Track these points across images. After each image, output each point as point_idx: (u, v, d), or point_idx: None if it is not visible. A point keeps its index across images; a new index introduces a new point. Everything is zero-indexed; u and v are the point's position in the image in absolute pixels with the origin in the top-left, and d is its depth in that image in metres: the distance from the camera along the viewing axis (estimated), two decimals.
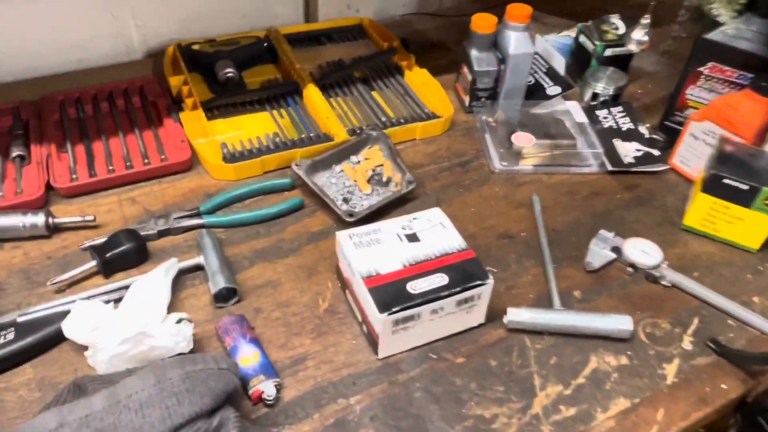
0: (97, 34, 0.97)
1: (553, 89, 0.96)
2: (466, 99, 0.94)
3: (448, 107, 0.91)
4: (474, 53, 0.90)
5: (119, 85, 0.90)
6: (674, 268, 0.71)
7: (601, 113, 0.94)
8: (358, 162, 0.82)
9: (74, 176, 0.75)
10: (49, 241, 0.69)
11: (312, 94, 0.89)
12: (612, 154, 0.87)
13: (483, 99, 0.94)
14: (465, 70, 0.93)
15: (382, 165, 0.81)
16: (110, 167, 0.77)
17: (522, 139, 0.85)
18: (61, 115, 0.84)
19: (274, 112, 0.90)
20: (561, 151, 0.86)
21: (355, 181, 0.79)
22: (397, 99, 0.95)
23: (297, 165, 0.77)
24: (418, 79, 0.97)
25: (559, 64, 0.99)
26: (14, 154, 0.76)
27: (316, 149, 0.81)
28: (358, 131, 0.86)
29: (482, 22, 0.88)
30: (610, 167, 0.85)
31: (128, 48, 1.01)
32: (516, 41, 0.88)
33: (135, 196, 0.76)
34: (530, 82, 0.95)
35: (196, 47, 0.97)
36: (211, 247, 0.67)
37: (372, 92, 0.96)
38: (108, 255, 0.65)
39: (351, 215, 0.72)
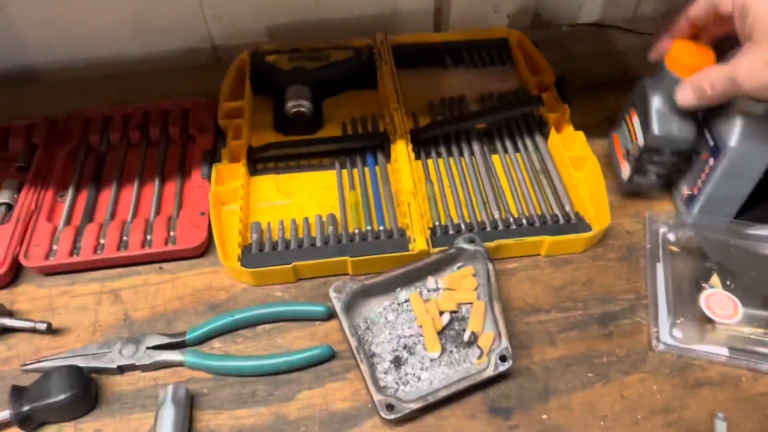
0: (168, 24, 0.76)
1: None
2: (625, 168, 0.59)
3: (604, 211, 0.57)
4: (656, 103, 0.54)
5: (162, 105, 0.69)
6: None
7: None
8: (436, 290, 0.53)
9: (54, 249, 0.56)
10: None
11: (401, 156, 0.61)
12: None
13: (655, 179, 0.59)
14: (634, 120, 0.57)
15: (470, 304, 0.52)
16: (101, 241, 0.57)
17: (718, 305, 0.50)
18: (79, 143, 0.66)
19: (344, 173, 0.64)
20: None
21: (422, 326, 0.51)
22: (526, 177, 0.63)
23: (337, 293, 0.50)
24: (567, 148, 0.63)
25: None
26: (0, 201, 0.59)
27: (377, 260, 0.54)
28: (453, 232, 0.57)
29: (686, 58, 0.51)
30: None
31: (203, 46, 0.80)
32: (744, 128, 0.51)
33: (121, 288, 0.55)
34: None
35: (271, 59, 0.73)
36: (170, 424, 0.44)
37: (493, 155, 0.65)
38: (26, 408, 0.45)
39: (391, 408, 0.45)
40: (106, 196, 0.62)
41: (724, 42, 0.51)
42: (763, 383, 0.49)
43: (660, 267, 0.56)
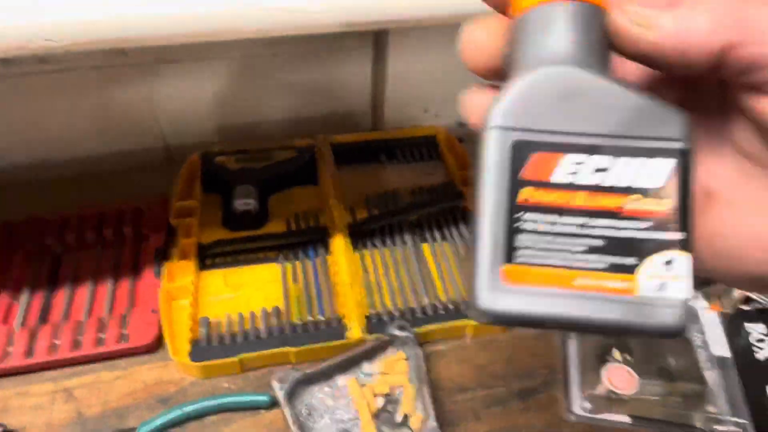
0: (123, 125, 0.82)
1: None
2: None
3: None
4: None
5: (116, 206, 0.74)
6: None
7: (754, 330, 0.63)
8: (371, 375, 0.58)
9: (9, 350, 0.59)
10: None
11: (339, 249, 0.67)
12: (762, 419, 0.56)
13: None
14: None
15: (402, 387, 0.57)
16: (56, 342, 0.60)
17: (619, 379, 0.57)
18: (35, 246, 0.69)
19: (288, 267, 0.69)
20: (679, 400, 0.57)
21: (358, 410, 0.55)
22: (453, 263, 0.70)
23: (279, 383, 0.55)
24: None
25: None
26: None
27: (317, 349, 0.59)
28: (387, 320, 0.62)
29: None
30: None
31: (157, 146, 0.86)
32: None
33: (75, 387, 0.58)
34: None
35: (219, 159, 0.79)
36: None
37: (423, 244, 0.72)
38: None
39: None
40: (61, 296, 0.65)
41: None
42: None
43: (571, 344, 0.62)
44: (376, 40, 0.83)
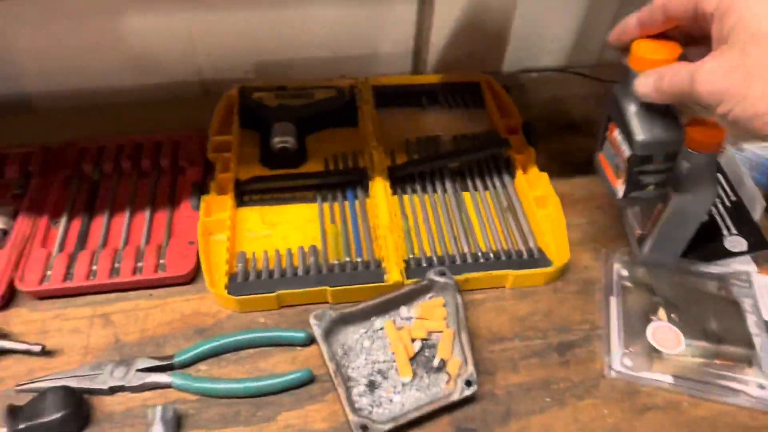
0: (160, 58, 0.81)
1: (734, 242, 0.63)
2: (619, 185, 0.54)
3: (564, 248, 0.63)
4: (632, 108, 0.49)
5: (154, 137, 0.73)
6: None
7: None
8: (409, 319, 0.58)
9: (48, 274, 0.59)
10: None
11: (378, 192, 0.66)
12: None
13: (654, 190, 0.53)
14: (615, 134, 0.53)
15: (440, 332, 0.56)
16: (93, 267, 0.60)
17: (663, 336, 0.56)
18: (73, 172, 0.69)
19: (326, 207, 0.68)
20: (725, 363, 0.55)
21: (395, 353, 0.55)
22: (494, 213, 0.68)
23: (317, 320, 0.54)
24: (532, 187, 0.69)
25: (754, 199, 0.66)
26: None
27: (353, 291, 0.58)
28: (425, 265, 0.61)
29: (652, 55, 0.46)
30: None
31: (193, 80, 0.84)
32: (688, 180, 0.56)
33: (112, 313, 0.59)
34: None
35: (258, 96, 0.77)
36: None
37: (464, 192, 0.70)
38: (22, 427, 0.48)
39: (365, 429, 0.49)
40: (99, 223, 0.65)
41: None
42: (702, 408, 0.54)
43: (613, 300, 0.61)
44: None
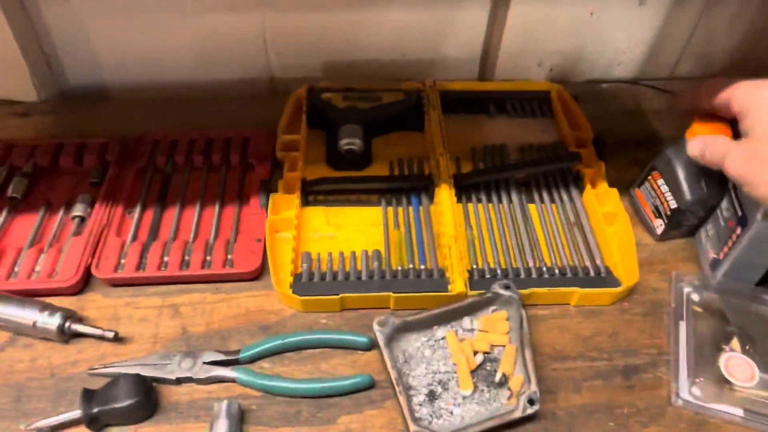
0: (231, 54, 0.82)
1: None
2: (658, 224, 0.66)
3: (633, 267, 0.61)
4: (682, 171, 0.61)
5: (224, 132, 0.75)
6: None
7: None
8: (471, 331, 0.57)
9: (122, 262, 0.61)
10: (62, 348, 0.57)
11: (444, 199, 0.66)
12: None
13: (686, 229, 0.66)
14: (659, 182, 0.65)
15: (503, 347, 0.56)
16: (165, 259, 0.62)
17: (737, 368, 0.54)
18: (147, 163, 0.71)
19: (389, 211, 0.68)
20: None
21: (456, 364, 0.55)
22: (560, 228, 0.67)
23: (380, 327, 0.55)
24: (601, 203, 0.67)
25: None
26: (75, 213, 0.65)
27: (418, 298, 0.58)
28: (489, 277, 0.61)
29: (705, 134, 0.56)
30: None
31: (262, 77, 0.85)
32: None
33: (181, 303, 0.60)
34: None
35: (326, 96, 0.78)
36: None
37: (530, 204, 0.69)
38: (96, 410, 0.50)
39: None
40: (170, 215, 0.67)
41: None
42: None
43: (683, 325, 0.59)
44: None
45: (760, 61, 0.91)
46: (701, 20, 0.86)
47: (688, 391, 0.54)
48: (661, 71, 0.91)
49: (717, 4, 0.84)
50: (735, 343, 0.56)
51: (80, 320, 0.58)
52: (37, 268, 0.61)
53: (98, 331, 0.56)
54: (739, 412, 0.53)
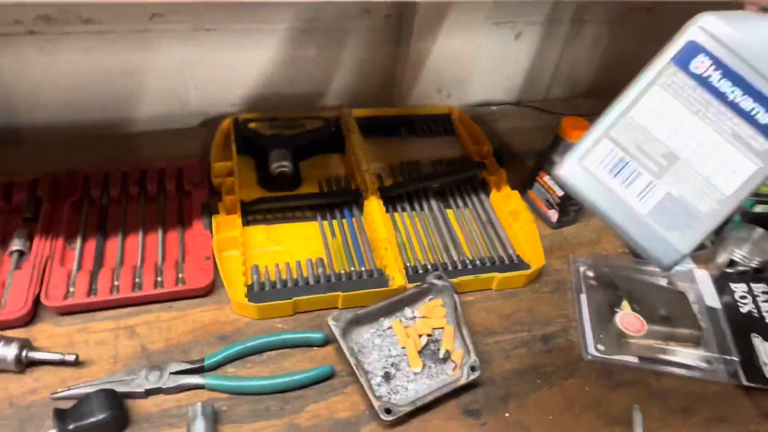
0: (153, 91, 0.86)
1: None
2: (552, 214, 0.79)
3: (538, 252, 0.72)
4: None
5: (156, 163, 0.77)
6: None
7: (738, 289, 0.73)
8: (413, 319, 0.65)
9: (72, 290, 0.62)
10: (19, 378, 0.57)
11: (374, 209, 0.73)
12: (747, 359, 0.65)
13: (574, 215, 0.80)
14: (546, 179, 0.78)
15: (441, 328, 0.64)
16: (115, 283, 0.63)
17: (629, 323, 0.65)
18: (81, 196, 0.72)
19: (325, 224, 0.75)
20: (678, 344, 0.66)
21: (405, 347, 0.62)
22: (476, 227, 0.77)
23: (335, 321, 0.61)
24: (505, 203, 0.78)
25: None
26: (13, 248, 0.65)
27: (364, 295, 0.65)
28: (422, 271, 0.69)
29: (574, 130, 0.73)
30: (744, 381, 0.64)
31: (184, 110, 0.89)
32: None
33: (136, 324, 0.62)
34: None
35: (253, 126, 0.84)
36: None
37: (448, 210, 0.79)
38: (71, 427, 0.51)
39: (388, 411, 0.55)
40: (113, 244, 0.68)
41: None
42: (664, 382, 0.64)
43: (583, 297, 0.71)
44: (400, 22, 0.89)
45: (615, 83, 1.09)
46: (565, 51, 1.02)
47: (594, 347, 0.65)
48: (538, 94, 1.07)
49: (576, 37, 1.01)
50: (625, 304, 0.68)
51: (35, 349, 0.58)
52: None
53: (57, 356, 0.57)
54: (635, 360, 0.65)
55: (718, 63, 0.41)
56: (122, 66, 0.82)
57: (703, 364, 0.65)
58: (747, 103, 0.41)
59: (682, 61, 0.41)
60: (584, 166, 0.44)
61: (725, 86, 0.41)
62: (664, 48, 0.43)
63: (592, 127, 0.45)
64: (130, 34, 0.80)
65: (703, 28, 0.41)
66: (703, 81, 0.42)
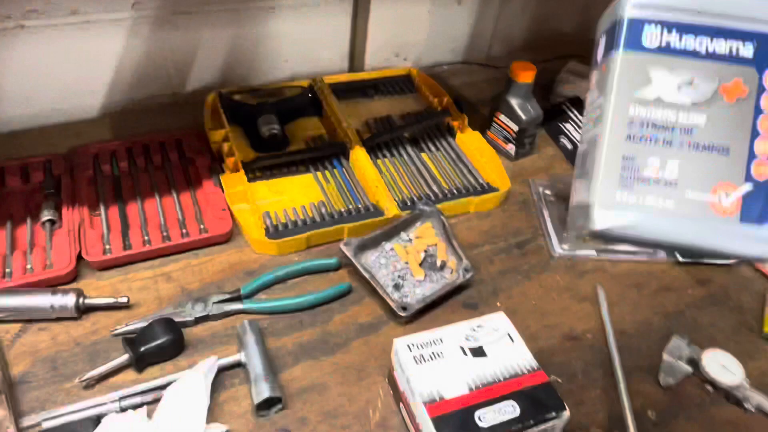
0: (137, 73, 0.92)
1: None
2: (510, 148, 0.92)
3: (504, 178, 0.85)
4: (515, 102, 0.88)
5: (156, 137, 0.85)
6: (757, 386, 0.64)
7: None
8: (410, 240, 0.76)
9: (108, 247, 0.70)
10: (78, 323, 0.64)
11: (360, 157, 0.84)
12: None
13: (529, 148, 0.93)
14: (501, 118, 0.91)
15: (435, 245, 0.75)
16: (146, 237, 0.71)
17: None
18: (94, 171, 0.79)
19: (319, 174, 0.84)
20: None
21: (407, 262, 0.73)
22: (448, 165, 0.89)
23: (346, 245, 0.71)
24: (470, 142, 0.91)
25: None
26: (44, 218, 0.71)
27: (365, 225, 0.76)
28: (410, 203, 0.80)
29: (522, 72, 0.86)
30: (680, 257, 0.79)
31: (170, 89, 0.96)
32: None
33: (171, 271, 0.70)
34: None
35: (237, 97, 0.92)
36: (254, 344, 0.61)
37: (422, 154, 0.90)
38: (142, 349, 0.59)
39: (404, 309, 0.66)
40: (134, 209, 0.76)
41: None
42: (619, 267, 0.78)
43: (545, 211, 0.84)
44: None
45: (547, 39, 1.24)
46: (501, 12, 1.15)
47: (560, 247, 0.79)
48: (481, 53, 1.20)
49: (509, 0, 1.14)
50: None
51: (87, 297, 0.65)
52: (28, 266, 0.66)
53: (111, 300, 0.64)
54: (593, 252, 0.78)
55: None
56: (109, 53, 0.88)
57: (647, 249, 0.79)
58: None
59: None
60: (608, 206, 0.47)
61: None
62: (597, 56, 0.49)
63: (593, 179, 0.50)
64: (113, 24, 0.86)
65: (634, 3, 0.41)
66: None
